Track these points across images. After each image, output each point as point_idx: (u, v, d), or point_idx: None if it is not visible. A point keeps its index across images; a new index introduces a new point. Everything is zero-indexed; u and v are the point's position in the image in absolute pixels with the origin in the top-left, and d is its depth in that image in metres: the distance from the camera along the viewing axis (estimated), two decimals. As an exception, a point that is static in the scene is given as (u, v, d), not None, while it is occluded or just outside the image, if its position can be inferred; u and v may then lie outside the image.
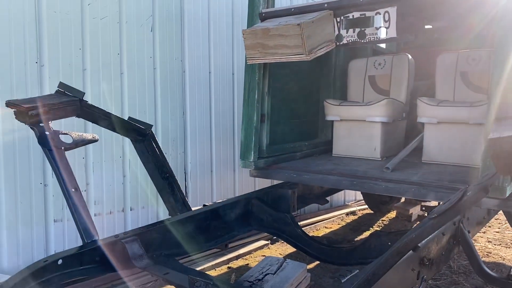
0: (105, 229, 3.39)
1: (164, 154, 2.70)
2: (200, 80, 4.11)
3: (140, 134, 2.50)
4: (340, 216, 5.28)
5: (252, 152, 3.13)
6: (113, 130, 2.39)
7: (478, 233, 4.46)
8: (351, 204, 5.85)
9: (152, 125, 2.55)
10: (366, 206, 5.61)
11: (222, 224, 2.64)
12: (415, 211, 5.20)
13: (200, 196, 4.13)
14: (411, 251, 1.66)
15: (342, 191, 5.48)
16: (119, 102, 3.48)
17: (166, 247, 2.15)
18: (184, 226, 2.31)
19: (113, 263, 1.88)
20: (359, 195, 5.86)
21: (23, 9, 2.94)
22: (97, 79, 3.34)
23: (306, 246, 2.75)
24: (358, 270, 1.52)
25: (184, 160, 4.02)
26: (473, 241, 2.75)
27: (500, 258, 3.90)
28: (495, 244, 4.26)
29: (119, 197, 3.53)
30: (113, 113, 2.40)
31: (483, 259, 3.81)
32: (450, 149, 3.20)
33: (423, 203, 5.36)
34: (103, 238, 1.92)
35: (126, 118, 2.51)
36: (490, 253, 4.03)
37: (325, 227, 4.92)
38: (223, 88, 4.33)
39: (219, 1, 4.22)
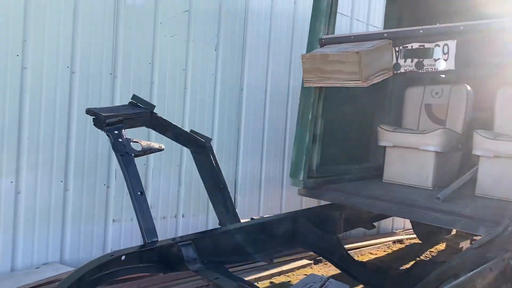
0: (158, 232, 3.58)
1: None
2: (257, 99, 4.28)
3: (199, 146, 2.67)
4: (387, 243, 5.20)
5: (302, 171, 3.22)
6: (176, 141, 2.57)
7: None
8: (399, 232, 5.75)
9: (211, 139, 2.71)
10: (414, 236, 5.48)
11: (269, 239, 2.73)
12: (466, 245, 5.02)
13: (248, 209, 4.26)
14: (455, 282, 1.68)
15: (391, 218, 5.41)
16: (181, 114, 3.71)
17: (217, 254, 2.28)
18: (234, 236, 2.44)
19: (168, 264, 2.04)
20: (407, 224, 5.74)
21: (103, 26, 3.24)
22: (163, 92, 3.59)
23: (349, 269, 2.79)
24: (400, 295, 1.57)
25: (235, 174, 4.18)
26: (525, 281, 2.66)
27: (555, 303, 3.70)
28: (551, 288, 4.04)
29: (173, 204, 3.73)
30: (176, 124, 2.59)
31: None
32: (505, 184, 3.13)
33: (474, 237, 5.17)
34: (161, 240, 2.08)
35: (187, 130, 2.70)
36: (545, 297, 3.83)
37: (370, 253, 4.87)
38: (277, 107, 4.47)
39: (280, 26, 4.39)
